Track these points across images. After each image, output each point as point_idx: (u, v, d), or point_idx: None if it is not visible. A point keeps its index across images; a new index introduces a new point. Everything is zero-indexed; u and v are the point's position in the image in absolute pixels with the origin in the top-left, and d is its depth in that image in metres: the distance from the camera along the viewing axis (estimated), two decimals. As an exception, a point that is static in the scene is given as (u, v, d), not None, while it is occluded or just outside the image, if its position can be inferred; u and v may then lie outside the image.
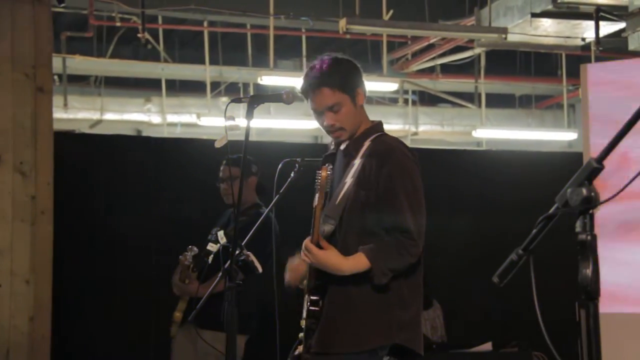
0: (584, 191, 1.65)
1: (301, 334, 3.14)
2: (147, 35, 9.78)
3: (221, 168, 5.04)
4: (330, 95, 3.11)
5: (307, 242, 3.04)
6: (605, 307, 1.93)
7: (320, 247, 3.01)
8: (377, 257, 2.96)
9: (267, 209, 3.59)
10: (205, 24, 11.34)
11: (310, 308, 3.08)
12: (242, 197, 4.81)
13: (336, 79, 3.12)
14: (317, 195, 3.02)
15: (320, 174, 3.00)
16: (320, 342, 3.06)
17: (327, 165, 3.04)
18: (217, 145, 3.21)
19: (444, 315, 6.58)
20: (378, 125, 3.22)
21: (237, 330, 4.51)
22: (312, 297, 3.09)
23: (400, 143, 3.15)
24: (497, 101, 13.52)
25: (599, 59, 9.60)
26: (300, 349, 3.14)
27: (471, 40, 10.38)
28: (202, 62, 11.46)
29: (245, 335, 4.88)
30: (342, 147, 3.21)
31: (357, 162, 3.10)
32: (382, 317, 3.02)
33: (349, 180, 3.09)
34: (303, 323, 3.11)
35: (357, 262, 2.98)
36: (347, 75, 3.15)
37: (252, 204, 5.03)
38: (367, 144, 3.13)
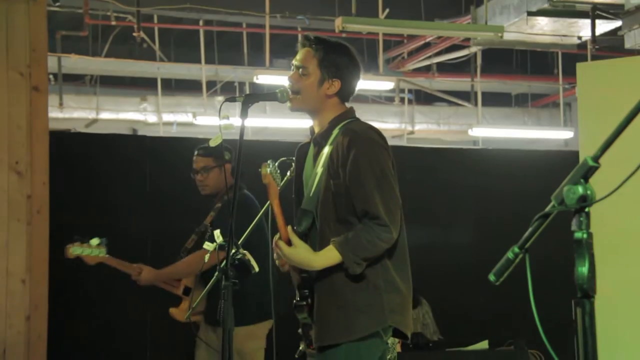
0: (580, 189, 1.65)
1: (300, 330, 3.15)
2: (142, 34, 9.78)
3: (194, 159, 4.92)
4: (307, 58, 3.13)
5: (276, 240, 3.04)
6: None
7: (291, 243, 3.01)
8: (347, 248, 2.94)
9: (263, 209, 3.57)
10: (201, 23, 11.34)
11: (300, 303, 3.08)
12: (219, 185, 4.81)
13: (325, 53, 3.12)
14: (269, 193, 3.00)
15: (261, 172, 3.00)
16: (317, 337, 3.06)
17: (265, 162, 3.03)
18: (212, 144, 3.21)
19: (441, 314, 6.59)
20: (347, 113, 3.17)
21: (258, 319, 4.54)
22: (301, 291, 3.09)
23: (367, 128, 3.10)
24: (493, 100, 13.53)
25: (595, 58, 9.61)
26: (302, 345, 3.14)
27: (467, 39, 10.38)
28: (198, 61, 11.45)
29: (266, 322, 4.79)
30: (313, 136, 3.20)
31: (326, 150, 3.08)
32: (372, 302, 3.01)
33: (319, 170, 3.07)
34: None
35: (328, 256, 2.97)
36: (336, 61, 3.13)
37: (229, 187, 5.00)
38: (335, 132, 3.10)
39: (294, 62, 3.17)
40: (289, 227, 3.04)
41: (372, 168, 3.00)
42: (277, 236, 3.05)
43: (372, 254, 2.98)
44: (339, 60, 3.14)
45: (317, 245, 3.05)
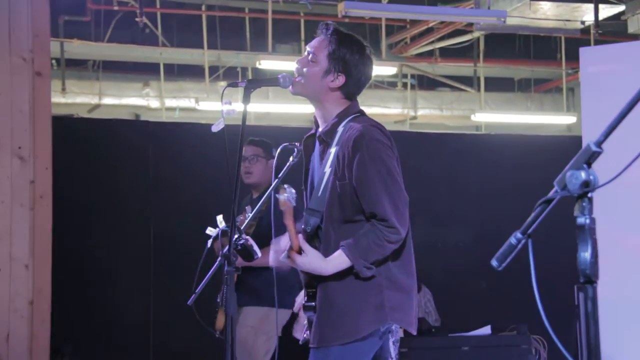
0: (583, 174, 1.65)
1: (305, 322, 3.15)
2: (145, 19, 9.75)
3: (244, 148, 5.06)
4: (320, 46, 3.11)
5: (288, 250, 2.98)
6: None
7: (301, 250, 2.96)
8: (356, 253, 2.92)
9: (266, 194, 3.58)
10: (204, 7, 11.31)
11: (307, 304, 3.08)
12: (263, 177, 4.97)
13: (337, 46, 3.09)
14: (285, 214, 2.90)
15: (279, 200, 2.87)
16: (316, 337, 3.04)
17: (284, 186, 2.90)
18: (214, 129, 3.20)
19: (443, 299, 6.60)
20: (350, 108, 3.14)
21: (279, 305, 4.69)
22: (307, 291, 3.09)
23: (371, 126, 3.06)
24: (496, 85, 13.49)
25: (598, 42, 9.58)
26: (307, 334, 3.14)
27: (470, 24, 10.34)
28: (201, 46, 11.42)
29: (286, 310, 4.86)
30: (317, 133, 3.17)
31: (333, 150, 3.06)
32: (372, 301, 3.00)
33: (327, 170, 3.05)
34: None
35: (338, 263, 2.95)
36: (347, 56, 3.09)
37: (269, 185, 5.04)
38: (340, 130, 3.07)
39: (307, 47, 3.16)
40: (300, 236, 2.99)
41: (378, 169, 2.97)
42: (287, 243, 2.99)
43: (382, 256, 2.97)
44: (349, 56, 3.10)
45: (322, 245, 3.04)
